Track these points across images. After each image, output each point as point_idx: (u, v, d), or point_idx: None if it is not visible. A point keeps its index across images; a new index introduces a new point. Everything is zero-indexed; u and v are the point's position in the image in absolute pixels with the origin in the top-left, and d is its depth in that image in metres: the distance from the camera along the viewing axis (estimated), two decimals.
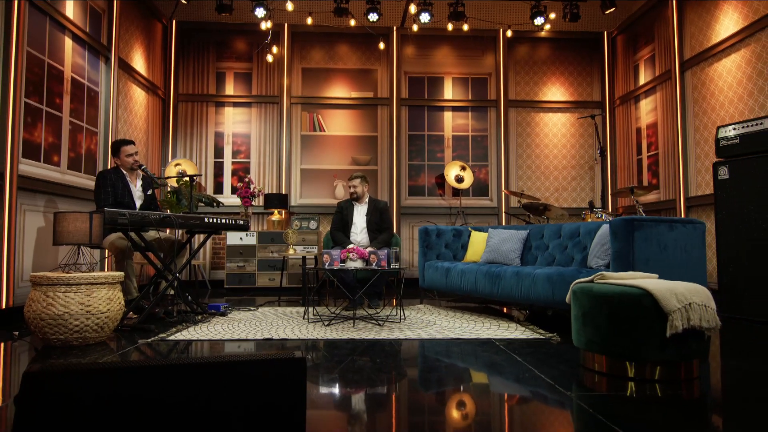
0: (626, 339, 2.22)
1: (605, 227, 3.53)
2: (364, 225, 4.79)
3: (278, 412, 1.01)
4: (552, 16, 6.41)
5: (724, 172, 4.07)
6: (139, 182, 4.21)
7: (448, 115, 7.11)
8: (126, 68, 5.67)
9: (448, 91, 7.15)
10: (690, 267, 3.23)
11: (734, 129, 4.02)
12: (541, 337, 3.20)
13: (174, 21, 6.80)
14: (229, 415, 0.99)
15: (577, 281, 2.55)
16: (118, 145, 4.12)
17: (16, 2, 3.88)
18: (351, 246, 4.02)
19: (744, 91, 4.83)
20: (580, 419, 1.82)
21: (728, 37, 5.01)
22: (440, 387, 2.25)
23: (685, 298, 2.19)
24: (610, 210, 6.81)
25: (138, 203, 4.13)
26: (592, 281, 2.48)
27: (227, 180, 6.86)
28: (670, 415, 1.84)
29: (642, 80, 6.57)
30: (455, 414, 1.93)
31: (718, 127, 4.17)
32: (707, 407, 2.00)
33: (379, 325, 3.62)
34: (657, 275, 2.56)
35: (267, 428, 1.00)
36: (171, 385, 0.99)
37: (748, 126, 3.92)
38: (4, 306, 3.71)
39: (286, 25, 6.90)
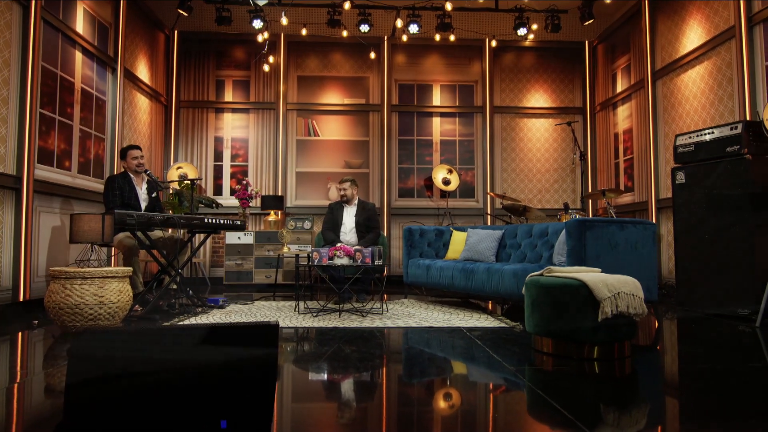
0: (565, 323, 2.58)
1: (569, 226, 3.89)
2: (353, 225, 5.16)
3: (256, 364, 1.37)
4: (534, 27, 6.77)
5: (681, 177, 4.43)
6: (145, 185, 4.58)
7: (436, 121, 7.47)
8: (131, 77, 6.04)
9: (437, 98, 7.51)
10: (641, 263, 3.59)
11: (689, 137, 4.38)
12: (506, 326, 3.57)
13: (176, 32, 7.17)
14: (216, 366, 1.35)
15: (530, 275, 2.91)
16: (125, 150, 4.49)
17: (32, 21, 4.25)
18: (339, 244, 4.38)
19: (707, 100, 5.19)
20: (516, 389, 2.19)
21: (693, 50, 5.37)
22: (403, 362, 2.61)
23: (615, 288, 2.55)
24: (589, 211, 7.17)
25: (143, 205, 4.49)
26: (541, 274, 2.85)
27: (226, 182, 7.23)
28: (594, 386, 2.20)
29: (619, 88, 6.93)
30: (408, 380, 2.29)
31: (677, 135, 4.53)
32: (629, 379, 2.36)
33: (363, 316, 3.98)
34: (600, 270, 2.92)
35: (246, 375, 1.36)
36: (171, 343, 1.36)
37: (700, 135, 4.28)
38: (22, 298, 4.08)
39: (282, 35, 7.27)
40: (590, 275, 2.66)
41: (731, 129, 4.04)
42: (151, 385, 1.32)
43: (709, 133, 4.21)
